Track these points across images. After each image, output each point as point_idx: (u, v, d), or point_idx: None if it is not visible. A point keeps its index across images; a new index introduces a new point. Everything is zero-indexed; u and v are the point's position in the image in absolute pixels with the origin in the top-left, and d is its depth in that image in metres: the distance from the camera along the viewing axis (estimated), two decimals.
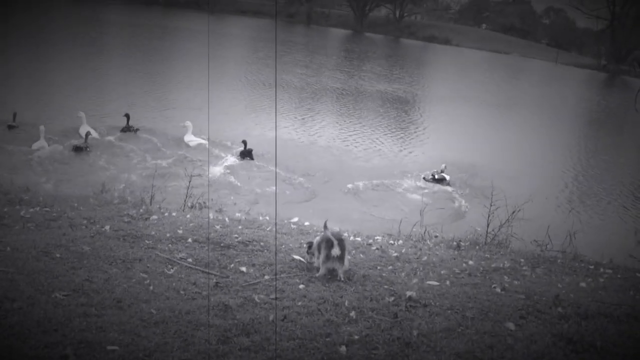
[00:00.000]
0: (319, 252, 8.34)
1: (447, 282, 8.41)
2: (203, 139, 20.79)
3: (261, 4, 65.80)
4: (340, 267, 8.29)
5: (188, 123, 21.06)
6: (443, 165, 20.12)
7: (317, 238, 8.60)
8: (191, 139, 20.79)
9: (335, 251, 8.18)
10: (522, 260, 10.20)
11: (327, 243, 8.22)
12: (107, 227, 9.59)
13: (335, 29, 64.45)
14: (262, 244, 9.46)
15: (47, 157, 18.23)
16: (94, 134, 20.32)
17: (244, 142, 20.11)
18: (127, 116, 21.61)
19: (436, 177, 19.68)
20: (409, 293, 7.59)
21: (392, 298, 7.51)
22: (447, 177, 19.81)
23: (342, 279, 8.25)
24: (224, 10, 56.24)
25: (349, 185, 18.57)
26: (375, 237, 10.88)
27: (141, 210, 11.01)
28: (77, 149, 18.99)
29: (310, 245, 8.76)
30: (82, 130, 20.38)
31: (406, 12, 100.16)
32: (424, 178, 19.90)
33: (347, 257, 8.43)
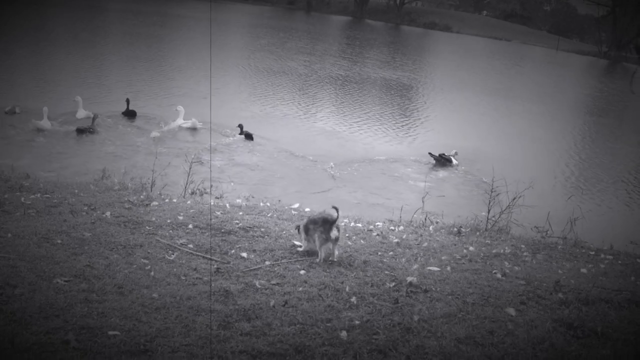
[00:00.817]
0: (313, 235, 8.33)
1: (448, 268, 8.42)
2: (195, 122, 20.80)
3: None
4: (337, 249, 8.36)
5: (180, 107, 21.12)
6: (454, 151, 20.06)
7: (305, 220, 8.63)
8: (181, 122, 20.88)
9: (335, 233, 8.23)
10: (523, 246, 10.22)
11: (325, 226, 8.22)
12: (108, 214, 9.60)
13: (335, 16, 64.22)
14: (262, 229, 9.47)
15: (48, 138, 18.28)
16: (84, 114, 20.56)
17: (240, 126, 20.30)
18: (127, 101, 21.69)
19: (444, 155, 19.61)
20: (409, 279, 7.60)
21: (393, 284, 7.52)
22: (455, 162, 19.74)
23: (336, 260, 8.30)
24: None
25: (353, 168, 18.53)
26: (376, 223, 10.89)
27: (142, 197, 11.01)
28: (80, 131, 19.10)
29: (298, 228, 8.77)
30: (80, 114, 20.51)
31: None
32: (430, 153, 19.80)
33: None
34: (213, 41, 35.41)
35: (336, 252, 8.37)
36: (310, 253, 8.49)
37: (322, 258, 8.28)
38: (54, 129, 19.29)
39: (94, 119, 19.75)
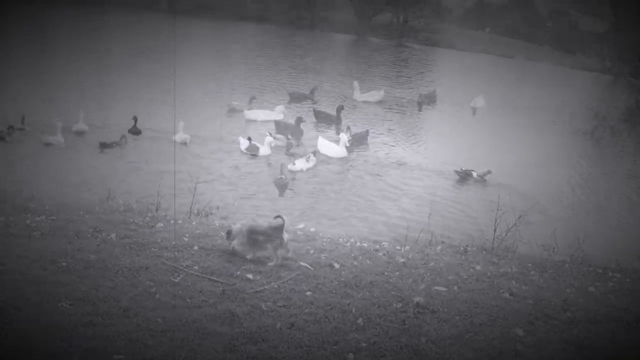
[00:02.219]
0: (264, 244, 8.79)
1: (455, 288, 8.38)
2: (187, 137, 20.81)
3: (264, 9, 65.86)
4: (289, 250, 8.90)
5: (180, 122, 21.09)
6: (486, 169, 19.58)
7: (238, 225, 9.10)
8: (182, 137, 20.85)
9: (286, 236, 8.79)
10: (530, 264, 10.15)
11: (277, 230, 8.73)
12: (113, 235, 9.58)
13: (337, 34, 64.31)
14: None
15: (57, 155, 18.30)
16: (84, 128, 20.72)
17: (249, 139, 20.23)
18: (135, 118, 21.76)
19: (464, 169, 19.38)
20: (416, 299, 7.56)
21: (400, 304, 7.48)
22: (475, 175, 19.42)
23: (291, 256, 8.85)
24: (226, 17, 56.35)
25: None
26: (382, 243, 10.85)
27: (147, 218, 10.99)
28: (104, 146, 19.23)
29: (229, 232, 9.09)
30: (77, 128, 20.62)
31: (410, 16, 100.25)
32: (455, 171, 19.54)
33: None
34: (229, 61, 35.54)
35: (290, 252, 8.92)
36: (317, 275, 8.45)
37: (279, 261, 8.75)
38: (65, 144, 19.28)
39: (121, 137, 19.92)
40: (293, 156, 19.45)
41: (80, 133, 20.80)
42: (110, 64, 27.77)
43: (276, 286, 7.97)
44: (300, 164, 18.84)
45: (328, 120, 24.00)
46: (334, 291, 7.93)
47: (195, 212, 12.29)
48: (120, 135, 20.15)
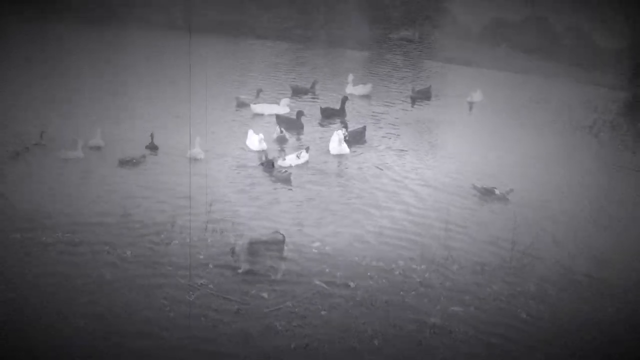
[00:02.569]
0: (265, 254, 8.96)
1: (472, 308, 8.28)
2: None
3: (283, 29, 66.11)
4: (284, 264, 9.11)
5: (197, 138, 21.01)
6: (509, 188, 19.14)
7: (241, 242, 9.35)
8: (197, 152, 20.77)
9: (285, 251, 9.09)
10: (548, 284, 10.01)
11: (279, 245, 9.01)
12: (129, 253, 9.57)
13: (351, 51, 64.20)
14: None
15: (75, 171, 18.33)
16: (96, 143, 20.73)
17: (265, 154, 19.82)
18: (152, 135, 21.77)
19: (485, 187, 19.01)
20: (432, 320, 7.48)
21: (416, 325, 7.40)
22: (497, 192, 18.98)
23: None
24: (247, 34, 56.65)
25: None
26: (398, 261, 10.75)
27: (162, 236, 10.96)
28: (124, 163, 19.24)
29: (233, 250, 9.20)
30: (94, 143, 20.66)
31: (425, 33, 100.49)
32: (475, 187, 19.16)
33: None
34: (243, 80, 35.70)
35: (283, 267, 9.08)
36: (333, 294, 8.38)
37: (281, 273, 8.90)
38: (83, 159, 19.31)
39: (141, 156, 19.94)
40: (284, 151, 19.29)
41: (96, 148, 20.87)
42: (126, 80, 27.91)
43: (291, 305, 7.91)
44: (290, 160, 18.65)
45: (333, 115, 23.62)
46: (349, 311, 7.86)
47: (210, 229, 12.25)
48: (140, 153, 20.08)
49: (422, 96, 24.15)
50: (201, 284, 8.49)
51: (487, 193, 18.84)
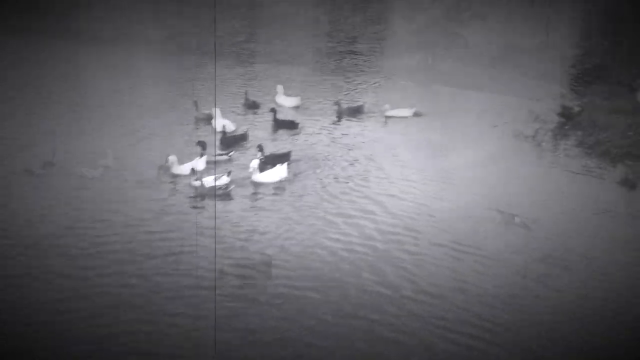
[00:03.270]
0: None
1: (486, 335, 8.10)
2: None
3: (296, 54, 66.65)
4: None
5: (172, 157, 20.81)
6: (517, 219, 18.70)
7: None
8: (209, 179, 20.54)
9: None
10: (560, 313, 9.73)
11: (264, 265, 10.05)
12: (134, 280, 9.48)
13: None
14: None
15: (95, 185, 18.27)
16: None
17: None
18: (167, 157, 21.68)
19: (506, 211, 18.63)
20: None
21: None
22: (517, 220, 18.43)
23: None
24: (263, 60, 57.17)
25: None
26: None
27: (170, 260, 10.85)
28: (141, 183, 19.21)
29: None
30: (105, 163, 20.66)
31: (438, 58, 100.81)
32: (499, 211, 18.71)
33: None
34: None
35: None
36: None
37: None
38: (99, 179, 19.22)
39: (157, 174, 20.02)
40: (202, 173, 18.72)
41: (107, 167, 20.78)
42: (135, 102, 27.97)
43: None
44: (207, 182, 18.52)
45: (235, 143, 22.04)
46: None
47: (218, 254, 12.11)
48: (157, 172, 19.95)
49: (351, 112, 23.00)
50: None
51: (508, 218, 18.16)
